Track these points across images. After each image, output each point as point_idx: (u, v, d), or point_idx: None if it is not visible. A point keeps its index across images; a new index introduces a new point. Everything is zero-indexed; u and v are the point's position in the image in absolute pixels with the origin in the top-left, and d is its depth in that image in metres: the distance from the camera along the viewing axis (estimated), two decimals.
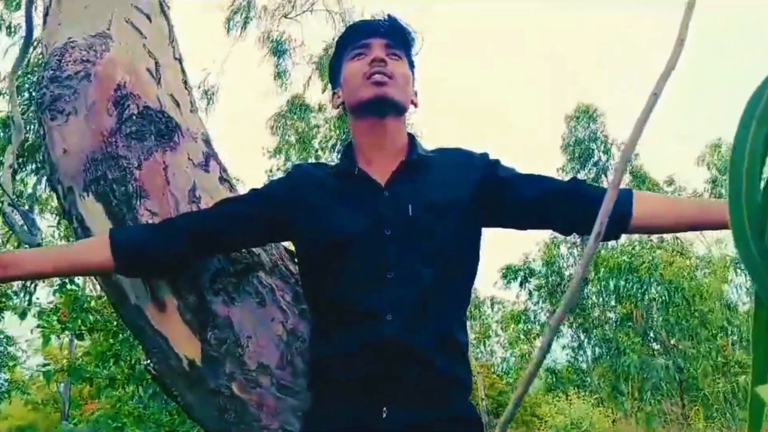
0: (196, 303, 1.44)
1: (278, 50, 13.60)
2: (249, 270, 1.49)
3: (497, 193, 1.41)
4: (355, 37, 1.49)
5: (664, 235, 17.79)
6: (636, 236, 17.87)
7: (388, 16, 1.49)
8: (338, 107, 1.53)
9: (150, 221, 1.47)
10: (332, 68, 1.57)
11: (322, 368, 1.35)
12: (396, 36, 1.48)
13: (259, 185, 1.54)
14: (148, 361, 1.51)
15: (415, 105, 1.51)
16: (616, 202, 1.32)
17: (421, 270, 1.31)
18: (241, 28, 13.08)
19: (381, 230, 1.31)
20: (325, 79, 13.95)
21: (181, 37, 1.89)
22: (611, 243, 17.45)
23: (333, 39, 12.70)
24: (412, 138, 1.49)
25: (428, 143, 1.56)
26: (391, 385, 1.25)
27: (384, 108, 1.42)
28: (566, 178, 1.49)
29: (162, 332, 1.44)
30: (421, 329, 1.27)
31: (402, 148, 1.46)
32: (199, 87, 13.06)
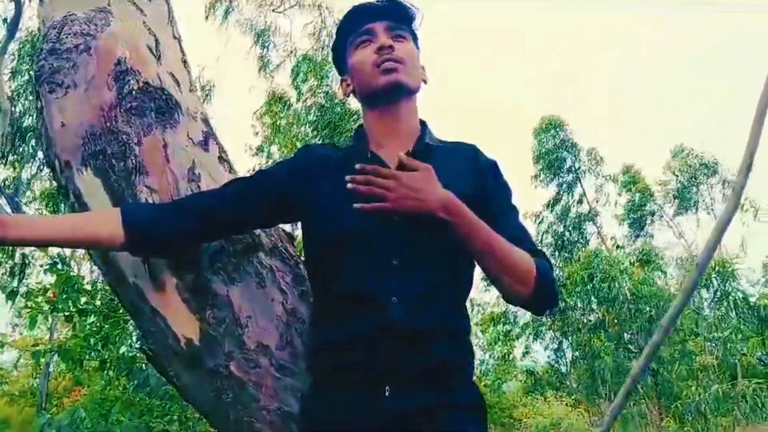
0: (196, 282, 1.42)
1: (264, 41, 13.53)
2: (249, 250, 1.47)
3: (484, 205, 1.35)
4: (357, 21, 1.47)
5: (630, 242, 18.05)
6: (611, 242, 18.09)
7: None
8: (348, 95, 1.52)
9: (149, 198, 1.45)
10: (337, 55, 1.56)
11: (325, 352, 1.33)
12: (398, 15, 1.47)
13: None
14: (144, 342, 1.48)
15: (425, 81, 1.50)
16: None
17: (426, 257, 1.31)
18: (222, 17, 12.99)
19: (389, 216, 1.29)
20: (309, 76, 13.91)
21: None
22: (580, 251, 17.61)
23: (318, 33, 12.68)
24: (423, 125, 1.49)
25: None
26: (393, 369, 1.23)
27: (397, 95, 1.42)
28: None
29: (160, 311, 1.41)
30: (424, 314, 1.27)
31: (414, 132, 1.46)
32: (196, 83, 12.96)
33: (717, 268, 13.50)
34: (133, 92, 1.52)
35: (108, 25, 1.59)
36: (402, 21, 1.48)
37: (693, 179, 18.05)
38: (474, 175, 1.42)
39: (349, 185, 1.22)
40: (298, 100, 14.45)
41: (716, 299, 14.24)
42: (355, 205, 1.21)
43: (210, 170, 1.55)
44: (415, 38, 1.51)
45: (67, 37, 1.54)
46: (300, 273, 1.51)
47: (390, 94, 1.42)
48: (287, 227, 1.65)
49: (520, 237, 1.35)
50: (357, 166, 1.24)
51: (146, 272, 1.42)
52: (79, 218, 1.42)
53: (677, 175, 18.37)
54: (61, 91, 1.51)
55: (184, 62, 1.75)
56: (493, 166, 1.48)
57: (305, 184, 1.41)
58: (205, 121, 1.66)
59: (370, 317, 1.26)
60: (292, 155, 1.53)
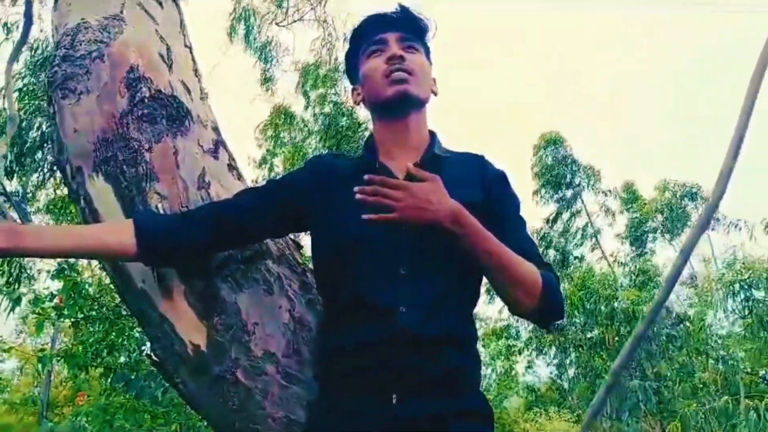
0: (204, 288, 1.42)
1: (266, 57, 13.55)
2: (257, 258, 1.48)
3: (492, 216, 1.35)
4: (370, 31, 1.49)
5: (631, 259, 18.00)
6: (612, 259, 18.05)
7: (400, 6, 1.49)
8: (359, 104, 1.53)
9: (159, 204, 1.46)
10: (349, 63, 1.57)
11: (333, 359, 1.33)
12: (410, 26, 1.48)
13: None
14: (151, 348, 1.48)
15: (435, 94, 1.51)
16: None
17: (434, 267, 1.31)
18: (245, 37, 13.02)
19: (397, 225, 1.29)
20: (310, 89, 13.97)
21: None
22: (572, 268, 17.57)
23: (322, 47, 12.75)
24: (433, 135, 1.49)
25: None
26: (401, 376, 1.23)
27: (406, 106, 1.43)
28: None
29: (167, 317, 1.42)
30: (432, 322, 1.27)
31: (423, 143, 1.47)
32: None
33: (745, 274, 13.44)
34: (145, 99, 1.53)
35: (121, 32, 1.60)
36: (414, 33, 1.49)
37: (679, 207, 18.08)
38: (482, 185, 1.43)
39: (357, 196, 1.23)
40: (306, 107, 14.46)
41: (741, 309, 14.13)
42: (364, 216, 1.22)
43: (219, 177, 1.56)
44: (427, 51, 1.53)
45: (80, 44, 1.55)
46: (307, 281, 1.52)
47: (398, 105, 1.43)
48: (294, 235, 1.65)
49: (527, 249, 1.35)
50: (366, 176, 1.24)
51: (155, 279, 1.43)
52: (91, 228, 1.43)
53: (664, 206, 18.40)
54: (74, 98, 1.52)
55: (195, 71, 1.77)
56: (501, 176, 1.48)
57: (315, 194, 1.42)
58: (216, 129, 1.67)
59: (379, 325, 1.26)
60: (302, 165, 1.54)
